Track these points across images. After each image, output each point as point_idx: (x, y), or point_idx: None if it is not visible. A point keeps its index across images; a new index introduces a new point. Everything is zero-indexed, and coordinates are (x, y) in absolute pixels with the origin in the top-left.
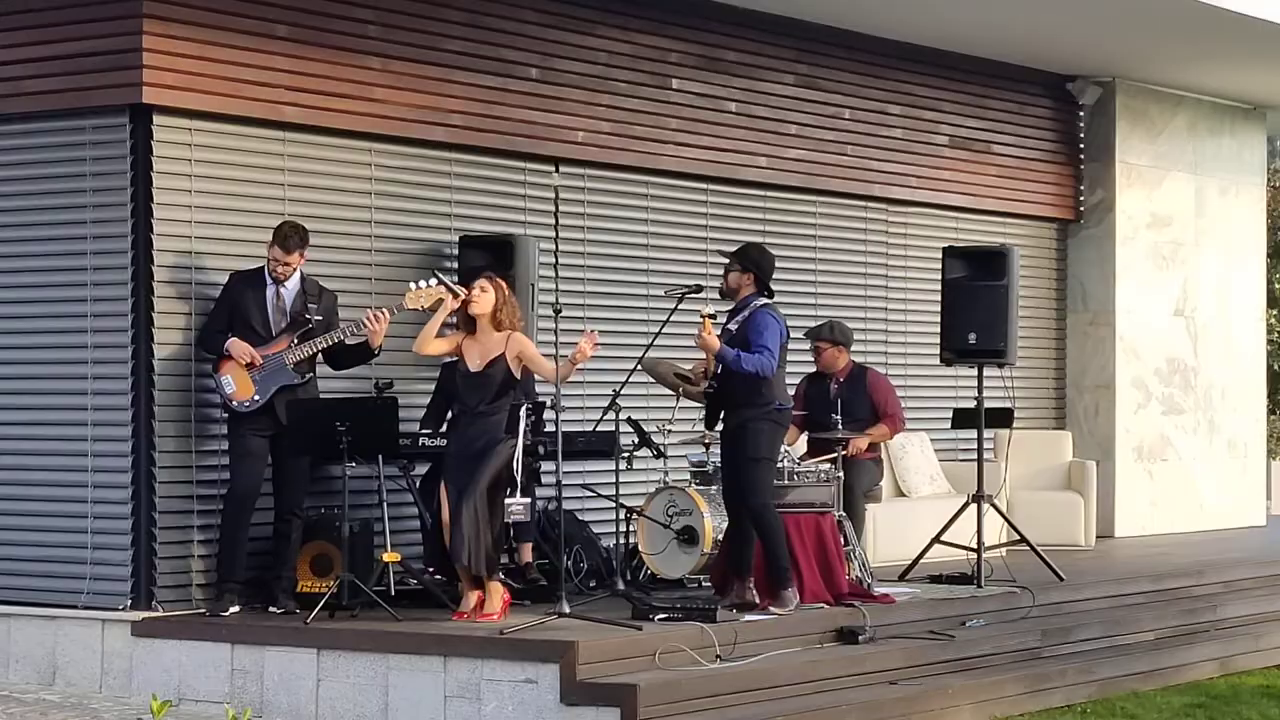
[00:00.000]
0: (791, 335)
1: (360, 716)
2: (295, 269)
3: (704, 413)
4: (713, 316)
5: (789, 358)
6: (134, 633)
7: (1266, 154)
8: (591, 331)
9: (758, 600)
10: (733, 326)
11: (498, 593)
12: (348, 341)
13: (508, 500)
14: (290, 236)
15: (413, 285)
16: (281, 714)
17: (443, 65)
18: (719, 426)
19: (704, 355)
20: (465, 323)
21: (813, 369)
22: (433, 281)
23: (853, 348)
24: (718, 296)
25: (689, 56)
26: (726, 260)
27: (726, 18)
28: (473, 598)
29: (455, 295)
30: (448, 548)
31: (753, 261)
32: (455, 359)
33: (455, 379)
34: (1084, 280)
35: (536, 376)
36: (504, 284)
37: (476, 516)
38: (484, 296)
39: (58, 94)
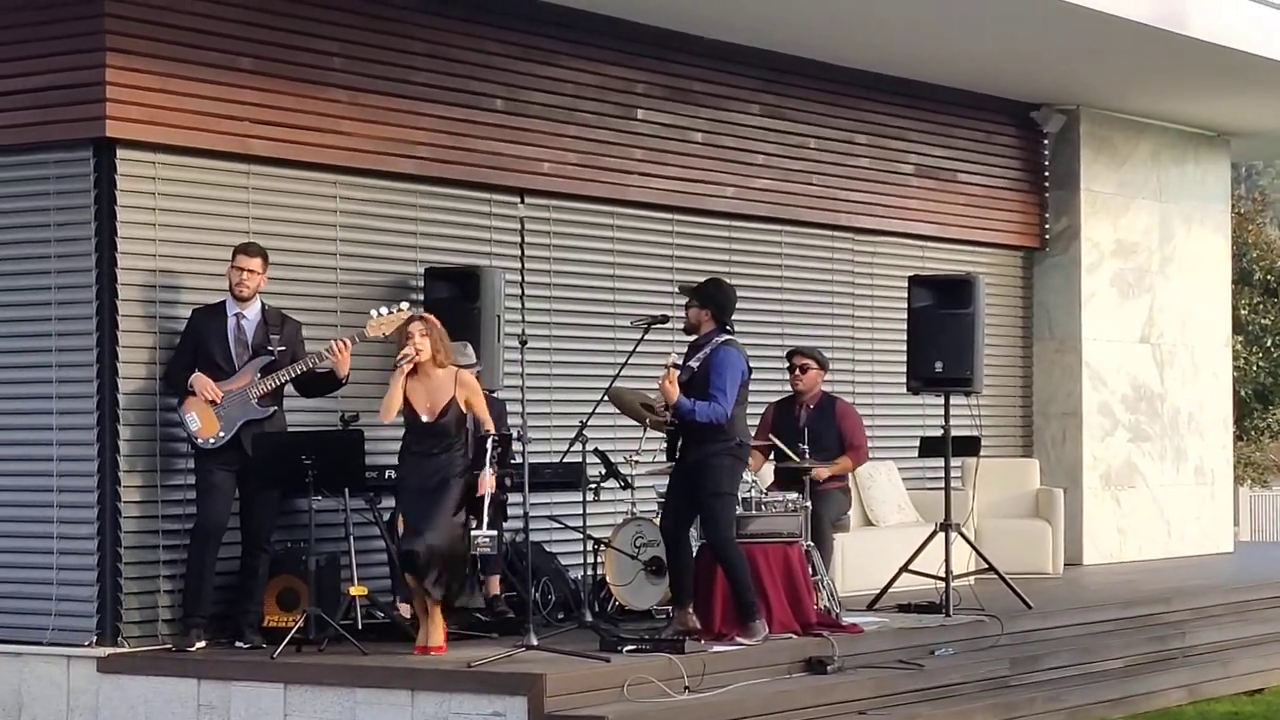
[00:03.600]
0: (753, 369)
1: None
2: (260, 279)
3: (667, 445)
4: (677, 366)
5: (752, 387)
6: (100, 668)
7: (1230, 180)
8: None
9: (698, 627)
10: (694, 364)
11: (439, 626)
12: (317, 370)
13: (474, 532)
14: (250, 244)
15: (374, 312)
16: None
17: (408, 97)
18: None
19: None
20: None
21: (778, 397)
22: (402, 305)
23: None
24: (684, 331)
25: (654, 87)
26: (686, 297)
27: (692, 48)
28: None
29: (409, 359)
30: (406, 577)
31: (709, 298)
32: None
33: (408, 420)
34: (1050, 308)
35: (506, 410)
36: (433, 320)
37: (439, 548)
38: (424, 342)
39: (20, 128)
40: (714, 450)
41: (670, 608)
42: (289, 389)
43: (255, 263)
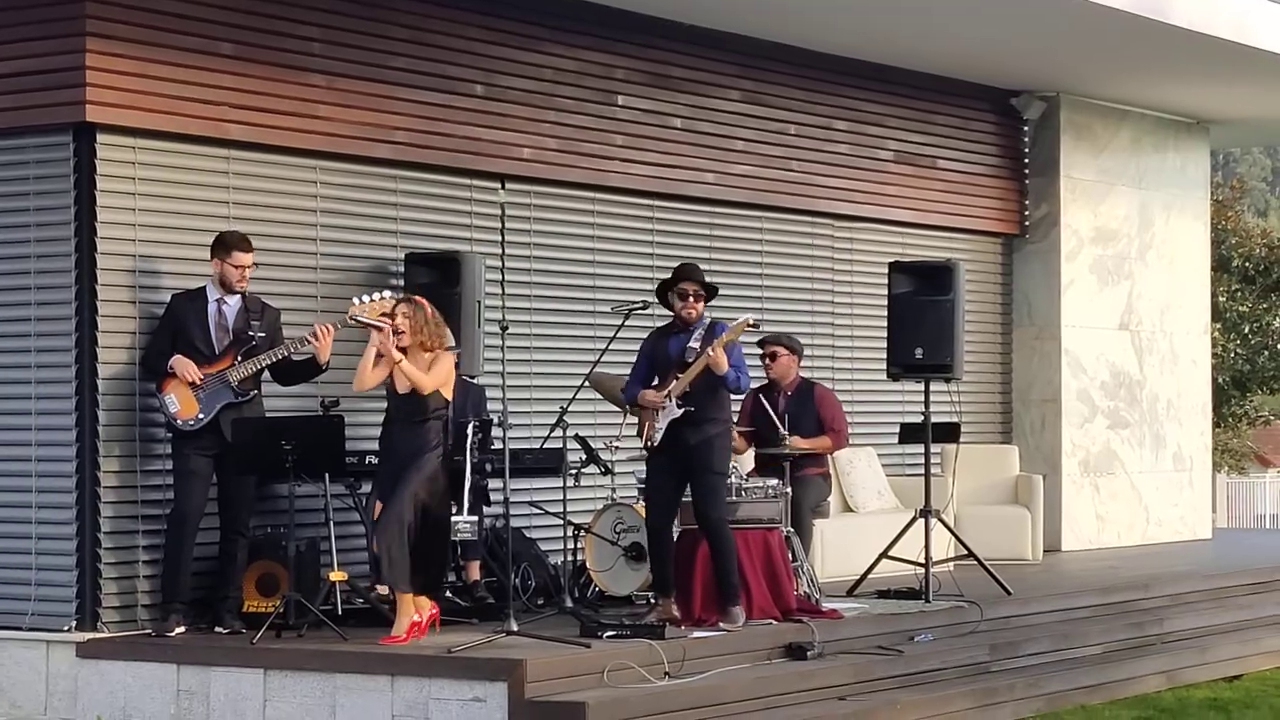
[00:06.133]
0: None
1: None
2: (252, 269)
3: (662, 432)
4: (755, 325)
5: None
6: (79, 654)
7: (1210, 168)
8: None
9: (678, 616)
10: (695, 345)
11: (406, 615)
12: (294, 357)
13: (454, 518)
14: (243, 238)
15: (356, 300)
16: None
17: (388, 82)
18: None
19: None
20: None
21: (757, 384)
22: (384, 294)
23: (801, 363)
24: (686, 324)
25: (635, 73)
26: (693, 289)
27: (672, 34)
28: (412, 614)
29: (379, 329)
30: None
31: (711, 285)
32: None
33: (387, 390)
34: (1029, 295)
35: (486, 396)
36: (421, 303)
37: (393, 528)
38: (404, 324)
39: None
40: (716, 431)
41: (651, 594)
42: (266, 378)
43: (251, 257)
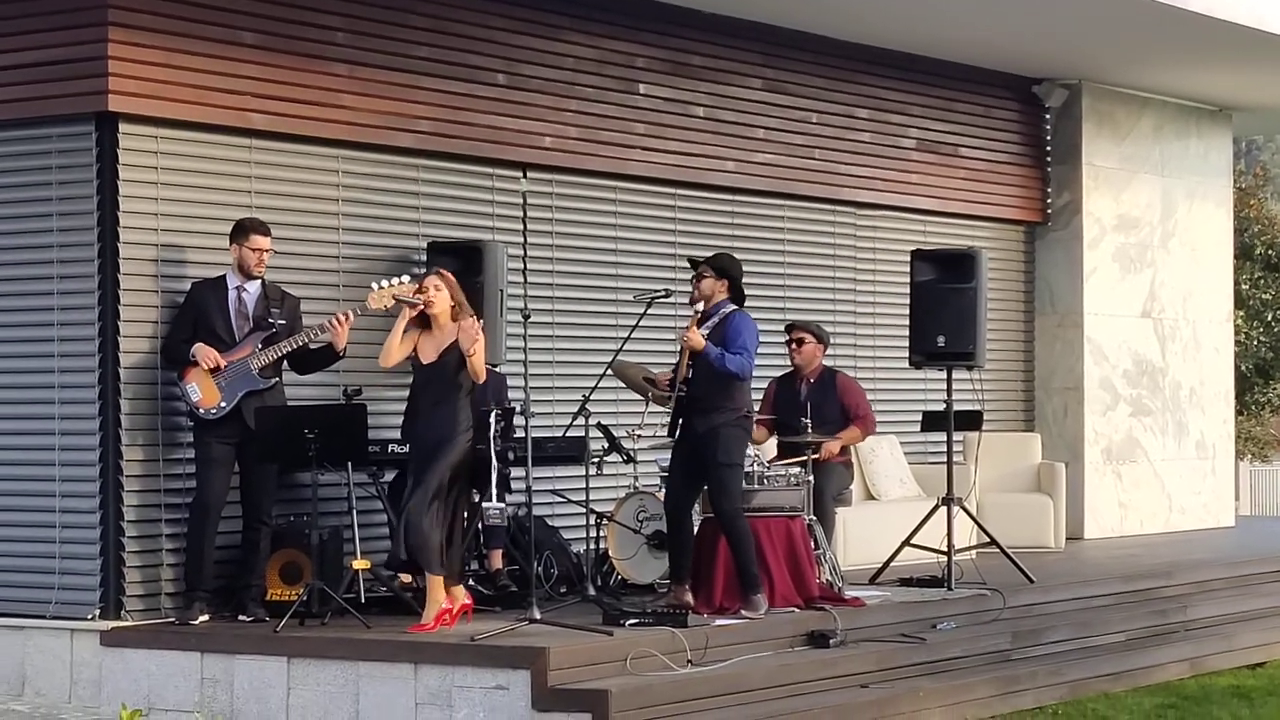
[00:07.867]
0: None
1: None
2: (270, 254)
3: (669, 419)
4: (700, 314)
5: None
6: (103, 642)
7: (1232, 155)
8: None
9: (692, 602)
10: (705, 331)
11: (436, 602)
12: (311, 345)
13: (484, 504)
14: (261, 222)
15: (374, 286)
16: None
17: (410, 71)
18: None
19: (674, 362)
20: (420, 320)
21: (779, 373)
22: (404, 279)
23: (826, 352)
24: (688, 303)
25: (656, 61)
26: (697, 269)
27: (693, 22)
28: (442, 600)
29: (413, 306)
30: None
31: (726, 270)
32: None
33: (413, 368)
34: (1052, 282)
35: (508, 384)
36: (449, 278)
37: (427, 512)
38: (440, 295)
39: (22, 102)
40: (723, 420)
41: (666, 580)
42: (285, 367)
43: (268, 240)
